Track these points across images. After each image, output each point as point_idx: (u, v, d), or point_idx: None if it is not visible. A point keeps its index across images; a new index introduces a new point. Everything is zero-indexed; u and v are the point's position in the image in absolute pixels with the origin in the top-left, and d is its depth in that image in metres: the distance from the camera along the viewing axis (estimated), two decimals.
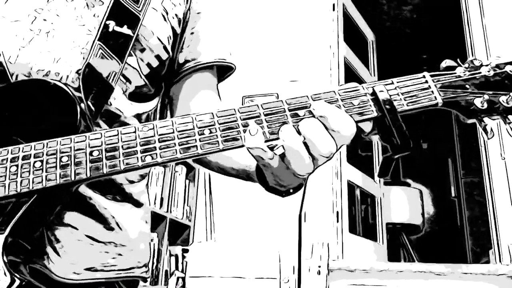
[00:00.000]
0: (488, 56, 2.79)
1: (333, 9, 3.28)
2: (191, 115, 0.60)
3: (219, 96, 0.94)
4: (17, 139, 0.63)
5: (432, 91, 0.62)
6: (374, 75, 3.99)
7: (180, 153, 0.58)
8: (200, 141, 0.58)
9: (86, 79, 0.73)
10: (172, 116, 0.93)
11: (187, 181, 3.13)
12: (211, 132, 0.59)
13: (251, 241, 2.77)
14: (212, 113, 0.60)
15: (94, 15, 0.79)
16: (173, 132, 0.59)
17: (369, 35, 4.05)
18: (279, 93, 3.14)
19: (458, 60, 0.66)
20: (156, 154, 0.58)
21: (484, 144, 2.69)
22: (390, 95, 0.61)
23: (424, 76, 0.64)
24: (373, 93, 0.61)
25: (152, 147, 0.58)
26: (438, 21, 4.67)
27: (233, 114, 0.60)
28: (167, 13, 0.86)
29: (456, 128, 5.35)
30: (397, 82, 0.63)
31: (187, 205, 3.08)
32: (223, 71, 0.96)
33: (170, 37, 0.86)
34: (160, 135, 0.59)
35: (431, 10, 4.60)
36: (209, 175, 3.18)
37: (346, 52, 3.38)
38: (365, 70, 3.81)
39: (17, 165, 0.59)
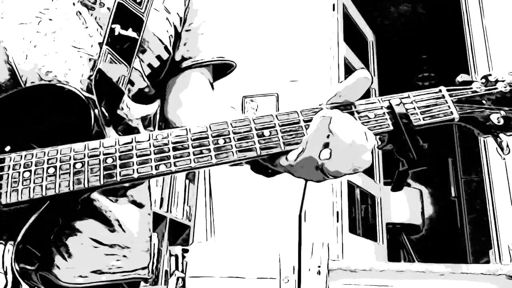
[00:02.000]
0: (488, 57, 2.79)
1: (333, 9, 3.28)
2: (205, 124, 0.59)
3: (213, 87, 0.93)
4: (31, 144, 0.62)
5: (449, 106, 0.62)
6: (374, 75, 3.99)
7: (194, 162, 0.57)
8: (214, 150, 0.57)
9: (98, 85, 0.73)
10: (161, 109, 0.92)
11: (187, 181, 3.13)
12: (225, 142, 0.58)
13: (251, 241, 2.77)
14: (226, 122, 0.59)
15: (95, 18, 0.79)
16: (187, 141, 0.58)
17: (369, 35, 4.05)
18: (279, 93, 3.14)
19: (473, 75, 0.66)
20: (170, 163, 0.57)
21: (484, 144, 2.69)
22: (407, 109, 0.60)
23: (440, 91, 0.63)
24: (389, 107, 0.61)
25: (166, 155, 0.58)
26: (438, 21, 4.67)
27: (248, 124, 0.59)
28: (169, 13, 0.86)
29: (456, 128, 5.35)
30: (414, 96, 0.62)
31: (187, 205, 3.08)
32: (223, 68, 0.95)
33: (172, 36, 0.86)
34: (174, 143, 0.58)
35: (431, 10, 4.60)
36: (209, 175, 3.18)
37: (346, 52, 3.38)
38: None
39: (30, 171, 0.59)
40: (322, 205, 2.80)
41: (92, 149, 0.59)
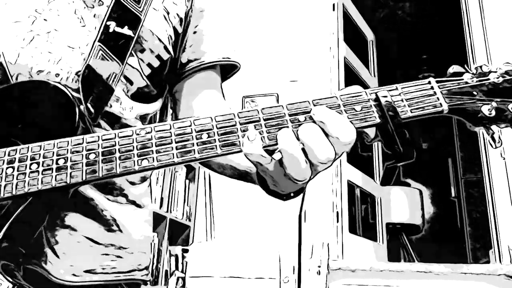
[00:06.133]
0: (488, 56, 2.79)
1: (333, 9, 3.28)
2: (189, 119, 0.59)
3: (223, 95, 0.94)
4: (15, 140, 0.62)
5: (438, 98, 0.60)
6: (374, 75, 3.99)
7: (177, 157, 0.57)
8: (197, 145, 0.57)
9: (86, 81, 0.73)
10: (175, 116, 0.92)
11: (187, 181, 3.13)
12: (209, 137, 0.58)
13: (251, 241, 2.77)
14: (210, 117, 0.59)
15: (94, 16, 0.78)
16: (171, 136, 0.58)
17: (369, 35, 4.05)
18: (279, 93, 3.14)
19: (466, 66, 0.64)
20: (153, 158, 0.57)
21: (484, 144, 2.69)
22: (394, 101, 0.59)
23: (429, 82, 0.62)
24: (376, 99, 0.59)
25: (149, 150, 0.57)
26: (438, 21, 4.67)
27: (232, 119, 0.58)
28: (168, 13, 0.86)
29: (456, 128, 5.35)
30: (402, 88, 0.61)
31: (187, 205, 3.08)
32: (228, 69, 0.95)
33: (171, 36, 0.85)
34: (157, 138, 0.58)
35: (431, 10, 4.60)
36: (209, 175, 3.18)
37: (346, 52, 3.38)
38: (365, 70, 3.81)
39: (13, 167, 0.59)
40: (322, 205, 2.80)
41: (75, 144, 0.59)
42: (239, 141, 0.58)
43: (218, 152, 0.57)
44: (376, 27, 4.20)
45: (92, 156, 0.58)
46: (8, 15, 0.75)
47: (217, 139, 0.58)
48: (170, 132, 0.58)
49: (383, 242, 3.54)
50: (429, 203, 5.38)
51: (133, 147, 0.58)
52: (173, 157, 0.57)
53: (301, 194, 0.69)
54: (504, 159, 2.58)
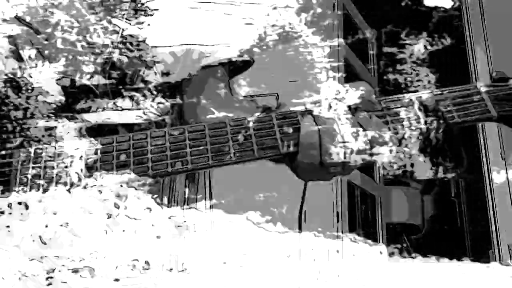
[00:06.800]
0: (489, 56, 2.79)
1: (333, 9, 3.28)
2: (225, 120, 0.56)
3: (230, 89, 0.95)
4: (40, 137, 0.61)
5: (486, 104, 0.60)
6: (374, 75, 3.99)
7: (213, 160, 0.55)
8: (233, 148, 0.55)
9: (111, 79, 0.73)
10: (181, 111, 0.92)
11: (187, 181, 3.12)
12: (245, 139, 0.55)
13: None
14: (245, 118, 0.56)
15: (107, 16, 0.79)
16: (205, 138, 0.55)
17: (369, 35, 4.05)
18: (279, 93, 3.14)
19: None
20: (187, 160, 0.55)
21: (484, 144, 2.69)
22: (441, 108, 0.59)
23: (476, 87, 0.61)
24: (422, 104, 0.59)
25: (183, 152, 0.55)
26: (438, 21, 4.67)
27: (270, 120, 0.56)
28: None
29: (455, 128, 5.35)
30: (448, 93, 0.60)
31: (187, 205, 3.08)
32: (238, 66, 0.96)
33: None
34: (191, 140, 0.55)
35: (431, 10, 4.60)
36: (209, 175, 3.17)
37: (346, 52, 3.38)
38: (365, 70, 3.81)
39: (40, 167, 0.57)
40: (322, 205, 2.80)
41: (105, 144, 0.57)
42: (279, 144, 0.55)
43: (256, 155, 0.55)
44: (376, 26, 4.20)
45: (122, 157, 0.56)
46: (24, 15, 0.75)
47: (254, 142, 0.55)
48: (205, 133, 0.56)
49: (383, 242, 3.54)
50: (429, 203, 5.38)
51: (166, 148, 0.56)
52: (208, 160, 0.55)
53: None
54: (504, 159, 2.58)
